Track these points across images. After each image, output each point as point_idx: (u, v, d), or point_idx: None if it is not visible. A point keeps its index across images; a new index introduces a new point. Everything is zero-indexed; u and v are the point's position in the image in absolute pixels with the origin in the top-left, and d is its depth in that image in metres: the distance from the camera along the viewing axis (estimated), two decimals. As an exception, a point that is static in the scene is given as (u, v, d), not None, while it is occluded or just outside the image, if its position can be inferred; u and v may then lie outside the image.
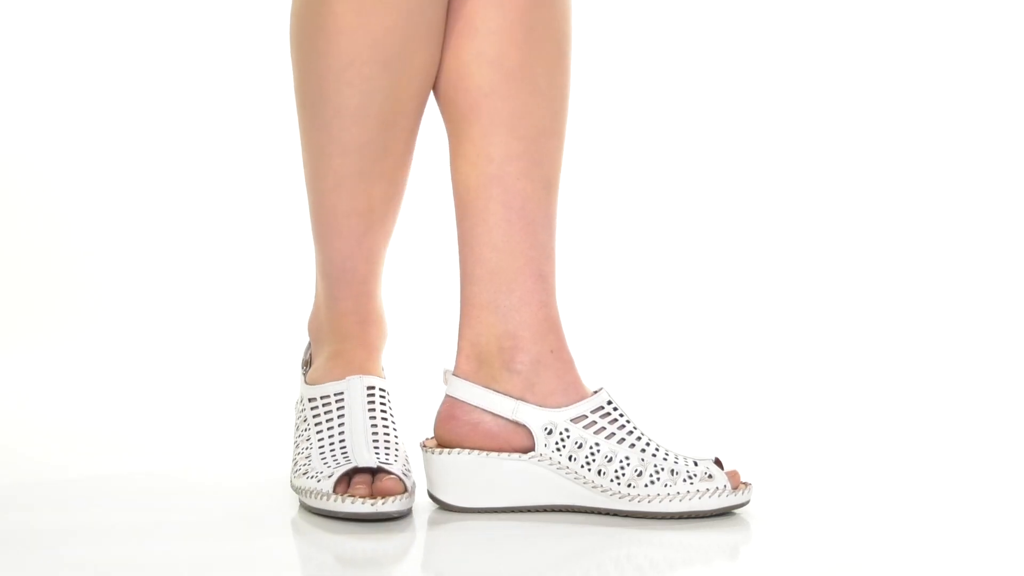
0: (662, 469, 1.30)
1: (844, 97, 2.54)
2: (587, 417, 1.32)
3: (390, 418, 1.35)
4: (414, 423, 1.49)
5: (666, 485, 1.29)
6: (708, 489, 1.30)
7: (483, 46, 1.33)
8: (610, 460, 1.30)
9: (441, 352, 1.67)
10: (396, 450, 1.32)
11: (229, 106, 2.60)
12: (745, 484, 1.31)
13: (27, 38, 2.58)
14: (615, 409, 1.33)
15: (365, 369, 1.37)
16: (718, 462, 1.32)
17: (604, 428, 1.31)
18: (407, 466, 1.32)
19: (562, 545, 1.25)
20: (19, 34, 2.58)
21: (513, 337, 1.33)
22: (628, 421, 1.32)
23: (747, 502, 1.32)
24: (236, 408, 1.97)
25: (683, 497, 1.29)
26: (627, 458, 1.30)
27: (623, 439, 1.31)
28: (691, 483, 1.29)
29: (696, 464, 1.30)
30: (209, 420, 1.88)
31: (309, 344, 1.45)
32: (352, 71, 1.30)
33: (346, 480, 1.29)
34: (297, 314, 1.58)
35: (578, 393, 1.33)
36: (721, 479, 1.30)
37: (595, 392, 1.33)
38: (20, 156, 2.56)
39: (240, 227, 2.53)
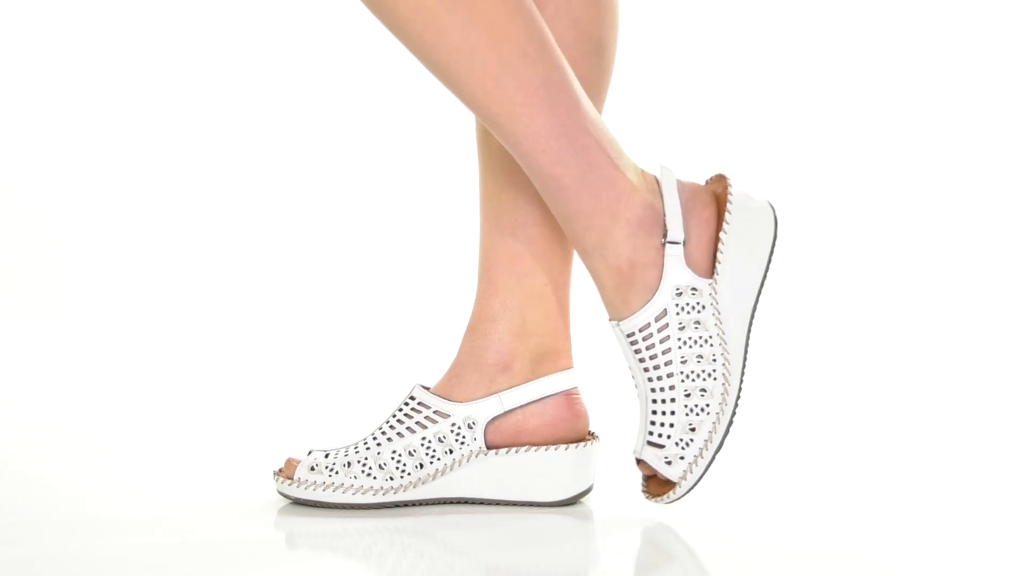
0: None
1: (842, 99, 2.53)
2: None
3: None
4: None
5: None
6: None
7: None
8: None
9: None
10: None
11: (224, 105, 2.60)
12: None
13: (25, 37, 2.58)
14: None
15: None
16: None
17: None
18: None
19: (557, 541, 1.25)
20: (17, 34, 2.59)
21: None
22: None
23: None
24: (231, 405, 1.97)
25: None
26: None
27: None
28: None
29: None
30: (205, 418, 1.88)
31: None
32: None
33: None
34: (289, 312, 1.58)
35: None
36: None
37: None
38: (10, 155, 2.57)
39: (231, 228, 2.53)
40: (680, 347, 1.26)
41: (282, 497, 1.34)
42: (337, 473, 1.31)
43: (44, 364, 2.20)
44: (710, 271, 1.27)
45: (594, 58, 1.35)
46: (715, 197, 1.30)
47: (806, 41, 2.56)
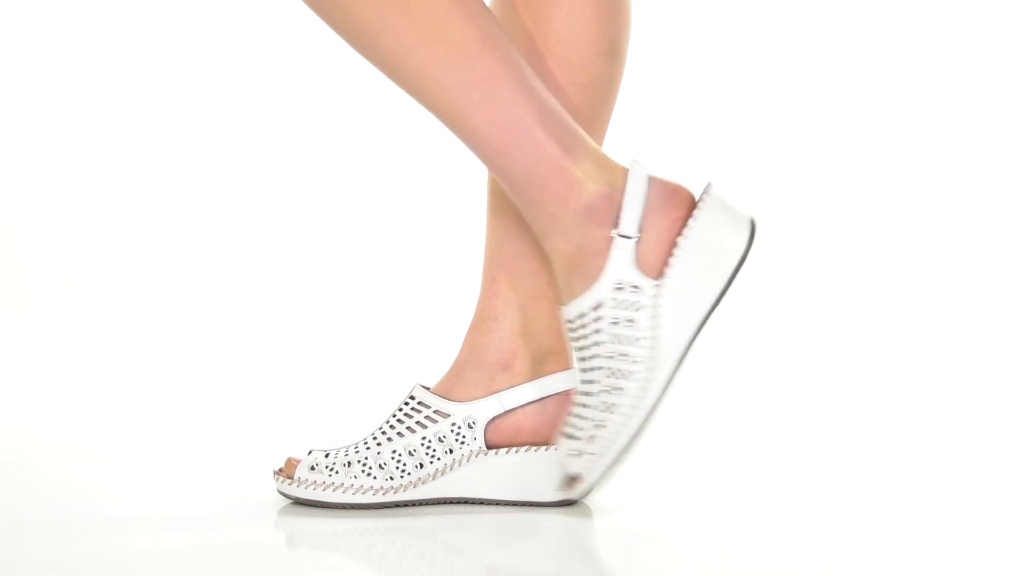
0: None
1: (846, 100, 2.53)
2: None
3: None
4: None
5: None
6: None
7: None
8: None
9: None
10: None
11: (223, 107, 2.60)
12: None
13: (26, 38, 2.58)
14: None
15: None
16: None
17: None
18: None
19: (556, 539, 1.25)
20: (18, 34, 2.58)
21: None
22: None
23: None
24: (232, 406, 1.97)
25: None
26: None
27: None
28: None
29: None
30: (206, 418, 1.88)
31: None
32: None
33: None
34: (289, 313, 1.56)
35: None
36: None
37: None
38: (14, 156, 2.57)
39: (231, 229, 2.53)
40: (609, 343, 1.23)
41: (282, 497, 1.34)
42: (337, 473, 1.31)
43: (46, 366, 2.20)
44: (660, 272, 1.24)
45: (607, 59, 1.35)
46: (692, 201, 1.27)
47: (808, 42, 2.56)
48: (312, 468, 1.32)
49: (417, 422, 1.33)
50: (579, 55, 1.34)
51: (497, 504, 1.33)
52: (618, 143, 1.62)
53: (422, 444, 1.32)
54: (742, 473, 1.54)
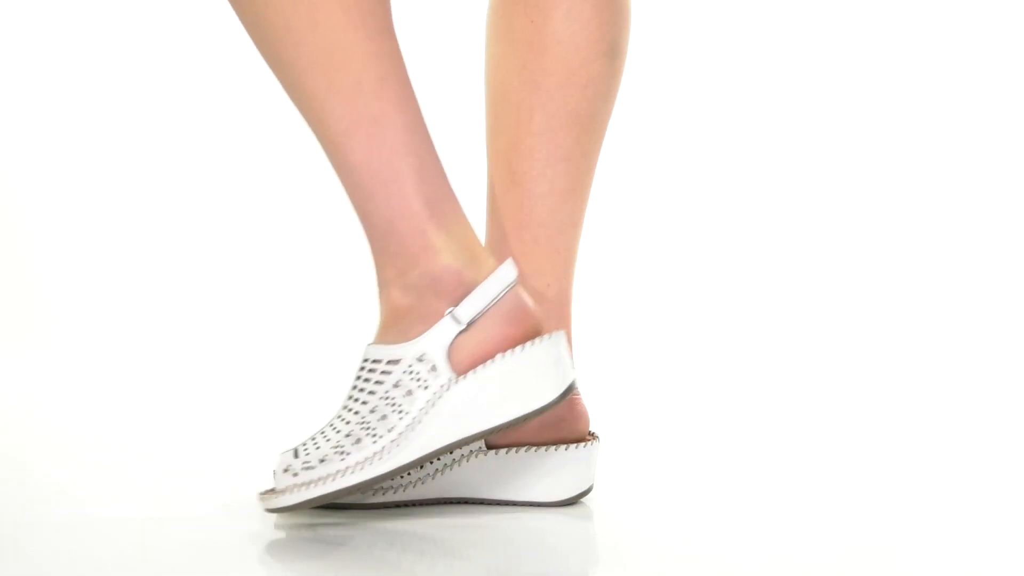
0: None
1: (844, 100, 2.53)
2: None
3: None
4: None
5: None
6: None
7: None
8: None
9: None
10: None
11: (223, 108, 2.60)
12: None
13: (21, 39, 2.59)
14: None
15: None
16: None
17: None
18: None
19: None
20: (13, 35, 2.59)
21: None
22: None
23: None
24: (231, 405, 1.97)
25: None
26: None
27: None
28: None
29: None
30: (205, 418, 1.88)
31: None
32: None
33: None
34: (288, 314, 1.56)
35: None
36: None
37: None
38: (14, 159, 2.57)
39: (227, 229, 2.53)
40: (381, 398, 1.23)
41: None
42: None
43: (44, 366, 2.21)
44: (463, 371, 1.24)
45: (606, 60, 1.35)
46: (535, 333, 1.26)
47: (808, 43, 2.56)
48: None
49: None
50: (578, 56, 1.34)
51: (497, 504, 1.33)
52: (618, 143, 1.62)
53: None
54: (742, 473, 1.54)
